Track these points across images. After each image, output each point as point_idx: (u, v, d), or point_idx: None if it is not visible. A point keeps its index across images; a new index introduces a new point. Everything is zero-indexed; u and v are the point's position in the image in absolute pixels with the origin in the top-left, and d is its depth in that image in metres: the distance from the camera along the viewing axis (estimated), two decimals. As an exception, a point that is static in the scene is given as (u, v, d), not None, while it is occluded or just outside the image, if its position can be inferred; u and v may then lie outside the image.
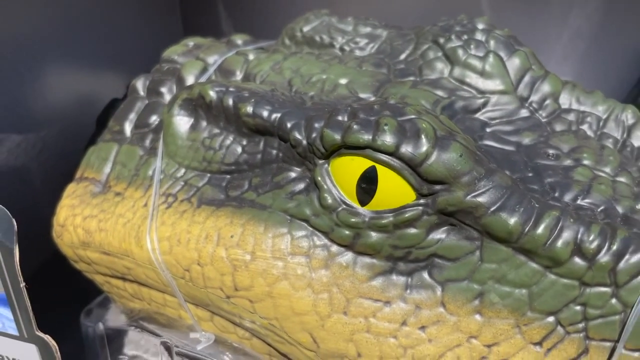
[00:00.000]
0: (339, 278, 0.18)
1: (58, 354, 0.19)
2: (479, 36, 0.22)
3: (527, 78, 0.21)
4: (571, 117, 0.21)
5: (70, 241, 0.22)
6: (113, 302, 0.23)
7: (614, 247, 0.16)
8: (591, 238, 0.16)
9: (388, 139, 0.16)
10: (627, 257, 0.16)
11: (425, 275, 0.18)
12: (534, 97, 0.21)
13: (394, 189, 0.17)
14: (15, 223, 0.17)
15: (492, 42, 0.21)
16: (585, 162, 0.19)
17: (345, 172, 0.17)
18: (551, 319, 0.17)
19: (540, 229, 0.16)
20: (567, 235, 0.16)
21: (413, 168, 0.16)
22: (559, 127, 0.20)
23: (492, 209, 0.16)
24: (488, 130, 0.20)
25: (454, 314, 0.17)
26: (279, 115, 0.19)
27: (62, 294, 0.25)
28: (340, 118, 0.17)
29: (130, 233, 0.20)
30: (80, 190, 0.22)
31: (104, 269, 0.22)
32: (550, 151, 0.19)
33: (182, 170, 0.21)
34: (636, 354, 0.16)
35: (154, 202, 0.20)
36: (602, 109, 0.21)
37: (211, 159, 0.20)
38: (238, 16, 0.33)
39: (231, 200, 0.19)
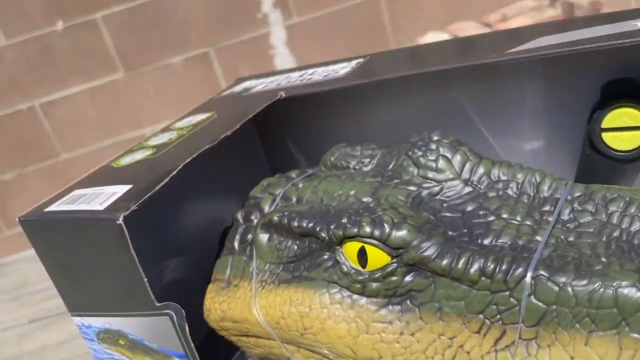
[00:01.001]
0: (359, 313, 0.29)
1: None
2: (433, 146, 0.33)
3: (467, 166, 0.32)
4: (499, 185, 0.31)
5: (214, 318, 0.36)
6: (244, 352, 0.37)
7: (503, 267, 0.26)
8: (489, 265, 0.26)
9: (367, 229, 0.28)
10: (511, 271, 0.25)
11: (408, 302, 0.28)
12: (474, 178, 0.32)
13: (377, 256, 0.28)
14: (183, 310, 0.32)
15: (441, 148, 0.32)
16: (503, 215, 0.29)
17: (350, 251, 0.29)
18: (481, 316, 0.26)
19: (460, 265, 0.27)
20: (475, 266, 0.26)
21: (383, 243, 0.28)
22: (490, 194, 0.31)
23: (432, 258, 0.27)
24: (445, 205, 0.31)
25: (428, 323, 0.28)
26: (312, 224, 0.31)
27: (217, 353, 0.39)
28: (343, 221, 0.30)
29: (245, 307, 0.33)
30: (215, 287, 0.36)
31: (235, 332, 0.35)
32: (482, 212, 0.30)
33: (267, 266, 0.34)
34: (532, 328, 0.25)
35: (254, 287, 0.34)
36: (520, 175, 0.31)
37: (282, 256, 0.33)
38: (306, 152, 0.46)
39: (295, 279, 0.32)
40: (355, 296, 0.29)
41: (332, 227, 0.30)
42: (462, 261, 0.26)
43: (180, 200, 0.41)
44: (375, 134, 0.41)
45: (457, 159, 0.32)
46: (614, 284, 0.23)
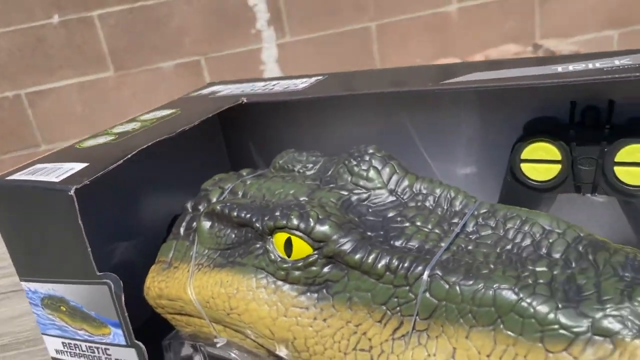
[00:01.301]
0: (281, 297, 0.32)
1: (146, 355, 0.36)
2: (366, 157, 0.36)
3: (394, 178, 0.35)
4: (419, 197, 0.35)
5: (152, 295, 0.38)
6: (178, 331, 0.40)
7: (406, 265, 0.29)
8: (394, 262, 0.29)
9: (294, 222, 0.31)
10: (412, 269, 0.28)
11: (324, 291, 0.31)
12: (398, 189, 0.35)
13: (301, 247, 0.30)
14: (121, 283, 0.35)
15: (373, 160, 0.36)
16: (417, 223, 0.32)
17: (278, 241, 0.32)
18: (383, 307, 0.29)
19: (369, 260, 0.29)
20: (382, 262, 0.29)
21: (307, 235, 0.31)
22: (410, 204, 0.34)
23: (347, 251, 0.30)
24: (369, 210, 0.34)
25: (339, 311, 0.30)
26: (249, 215, 0.34)
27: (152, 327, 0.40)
28: (276, 214, 0.33)
29: (181, 286, 0.36)
30: (157, 268, 0.39)
31: (170, 310, 0.38)
32: (399, 218, 0.33)
33: (206, 251, 0.36)
34: (425, 321, 0.28)
35: (192, 269, 0.37)
36: (438, 190, 0.34)
37: (220, 242, 0.36)
38: (264, 156, 0.49)
39: (229, 263, 0.35)
40: (279, 282, 0.32)
41: (265, 218, 0.33)
42: (372, 257, 0.29)
43: (138, 186, 0.45)
44: (326, 145, 0.44)
45: (386, 171, 0.36)
46: (494, 286, 0.26)
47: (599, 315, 0.24)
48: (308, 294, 0.31)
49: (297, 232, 0.31)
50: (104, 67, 1.28)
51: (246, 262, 0.34)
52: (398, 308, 0.29)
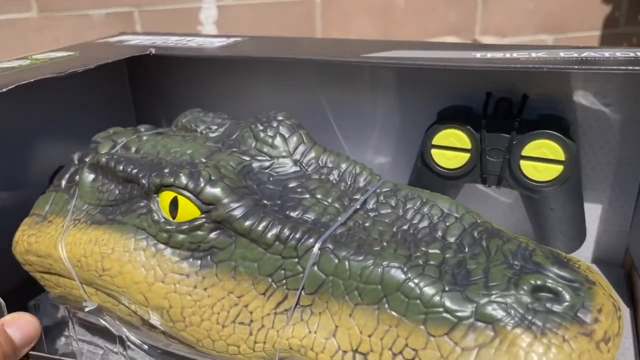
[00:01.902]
0: (160, 262, 0.29)
1: (6, 311, 0.32)
2: (274, 124, 0.33)
3: (300, 148, 0.33)
4: (324, 170, 0.32)
5: (19, 250, 0.34)
6: (47, 291, 0.36)
7: (297, 236, 0.27)
8: (285, 231, 0.27)
9: (182, 180, 0.28)
10: (303, 240, 0.27)
11: (208, 258, 0.29)
12: (304, 159, 0.33)
13: (188, 209, 0.28)
14: None
15: (280, 127, 0.33)
16: (317, 195, 0.30)
17: (164, 200, 0.29)
18: (269, 279, 0.27)
19: (260, 227, 0.27)
20: (273, 230, 0.27)
21: (196, 196, 0.28)
22: (314, 176, 0.32)
23: (237, 217, 0.28)
24: (270, 179, 0.31)
25: (221, 280, 0.28)
26: (136, 170, 0.31)
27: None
28: (165, 170, 0.30)
29: (52, 242, 0.33)
30: (30, 221, 0.35)
31: (39, 268, 0.34)
32: (299, 189, 0.31)
33: (86, 206, 0.33)
34: (310, 296, 0.26)
35: (66, 224, 0.33)
36: (344, 165, 0.32)
37: (102, 198, 0.33)
38: (171, 114, 0.46)
39: (108, 221, 0.31)
40: (160, 245, 0.30)
41: (152, 174, 0.30)
42: (262, 224, 0.28)
43: (26, 132, 0.40)
44: (238, 110, 0.41)
45: (293, 139, 0.33)
46: (384, 263, 0.25)
47: (483, 301, 0.23)
48: (190, 260, 0.29)
49: (185, 192, 0.28)
50: (27, 6, 1.18)
51: (127, 221, 0.31)
52: (284, 281, 0.27)
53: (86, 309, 0.32)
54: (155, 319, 0.30)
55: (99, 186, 0.33)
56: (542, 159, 0.35)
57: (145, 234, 0.30)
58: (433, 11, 1.41)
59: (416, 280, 0.24)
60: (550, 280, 0.24)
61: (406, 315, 0.24)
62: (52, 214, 0.35)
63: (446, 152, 0.38)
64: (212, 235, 0.29)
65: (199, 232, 0.29)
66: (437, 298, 0.24)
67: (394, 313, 0.24)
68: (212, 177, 0.29)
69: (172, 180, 0.29)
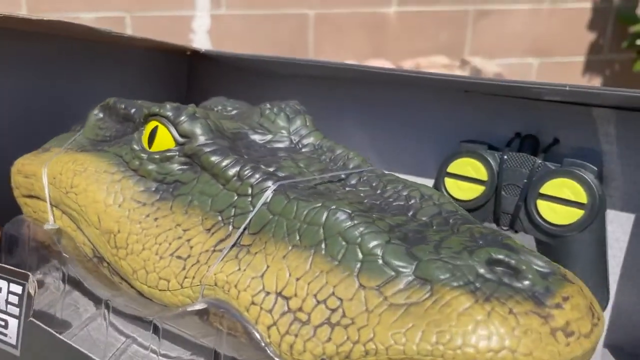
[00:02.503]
0: (124, 187, 0.29)
1: None
2: (283, 105, 0.33)
3: (301, 131, 0.32)
4: (318, 151, 0.32)
5: (13, 172, 0.35)
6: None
7: (256, 175, 0.26)
8: (246, 170, 0.27)
9: (167, 109, 0.29)
10: (260, 179, 0.26)
11: (170, 191, 0.29)
12: (302, 141, 0.32)
13: (164, 139, 0.29)
14: None
15: (287, 109, 0.33)
16: (300, 164, 0.29)
17: (147, 129, 0.30)
18: (219, 215, 0.27)
19: (223, 163, 0.27)
20: (236, 167, 0.27)
21: (174, 126, 0.28)
22: (304, 151, 0.31)
23: (206, 151, 0.28)
24: (261, 148, 0.31)
25: (174, 213, 0.28)
26: (134, 109, 0.32)
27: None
28: (155, 108, 0.30)
29: (39, 163, 0.33)
30: (34, 152, 0.36)
31: (24, 191, 0.34)
32: (284, 156, 0.30)
33: (85, 140, 0.34)
34: (252, 236, 0.25)
35: (58, 152, 0.33)
36: (338, 151, 0.31)
37: (99, 134, 0.34)
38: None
39: (94, 149, 0.32)
40: (129, 172, 0.30)
41: (144, 109, 0.31)
42: (227, 161, 0.27)
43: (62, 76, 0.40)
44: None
45: (296, 121, 0.33)
46: (332, 206, 0.24)
47: (427, 258, 0.21)
48: (152, 190, 0.29)
49: (165, 121, 0.29)
50: (17, 6, 1.14)
51: (108, 149, 0.32)
52: (232, 218, 0.26)
53: (45, 227, 0.32)
54: (101, 248, 0.30)
55: (101, 124, 0.34)
56: (561, 199, 0.33)
57: (121, 160, 0.31)
58: (424, 29, 1.41)
59: (361, 228, 0.23)
60: (514, 258, 0.21)
61: (341, 262, 0.22)
62: (54, 146, 0.36)
63: (460, 183, 0.36)
64: (180, 169, 0.29)
65: (168, 164, 0.29)
66: (378, 248, 0.22)
67: (329, 258, 0.23)
68: (196, 114, 0.29)
69: (157, 109, 0.29)
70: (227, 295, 0.24)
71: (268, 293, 0.23)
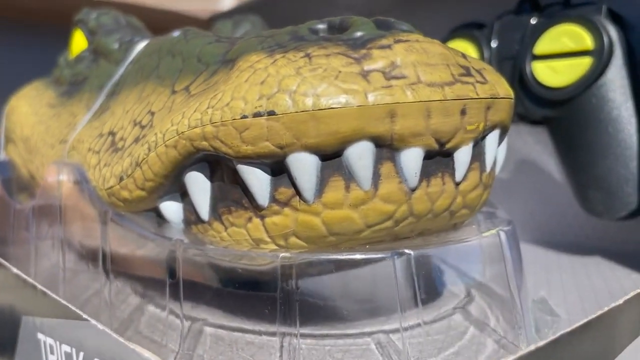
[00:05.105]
0: (43, 96, 0.28)
1: None
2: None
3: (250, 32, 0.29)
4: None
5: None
6: None
7: (134, 38, 0.23)
8: (126, 37, 0.24)
9: (83, 12, 0.26)
10: (135, 39, 0.23)
11: (76, 89, 0.25)
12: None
13: (79, 43, 0.26)
14: None
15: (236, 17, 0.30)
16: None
17: (71, 39, 0.27)
18: (100, 92, 0.23)
19: (109, 37, 0.24)
20: (116, 36, 0.24)
21: (86, 25, 0.26)
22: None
23: (103, 35, 0.25)
24: None
25: (71, 105, 0.25)
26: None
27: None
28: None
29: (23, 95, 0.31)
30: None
31: (5, 131, 0.32)
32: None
33: None
34: (116, 97, 0.21)
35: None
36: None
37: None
38: None
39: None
40: (50, 82, 0.29)
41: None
42: (112, 34, 0.24)
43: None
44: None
45: (244, 26, 0.30)
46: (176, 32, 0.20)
47: (239, 41, 0.16)
48: (65, 93, 0.27)
49: (81, 24, 0.27)
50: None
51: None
52: (108, 88, 0.23)
53: None
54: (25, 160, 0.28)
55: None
56: (561, 55, 0.24)
57: (52, 77, 0.29)
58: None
59: (188, 37, 0.19)
60: (353, 19, 0.15)
61: (165, 78, 0.18)
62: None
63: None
64: (87, 65, 0.26)
65: (79, 65, 0.26)
66: (197, 48, 0.18)
67: (157, 79, 0.19)
68: (111, 11, 0.27)
69: (80, 17, 0.27)
70: (78, 153, 0.21)
71: (102, 136, 0.20)
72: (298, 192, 0.14)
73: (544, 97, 0.24)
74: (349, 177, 0.13)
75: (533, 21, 0.25)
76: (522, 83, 0.25)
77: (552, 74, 0.24)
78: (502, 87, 0.15)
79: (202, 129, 0.14)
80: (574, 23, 0.23)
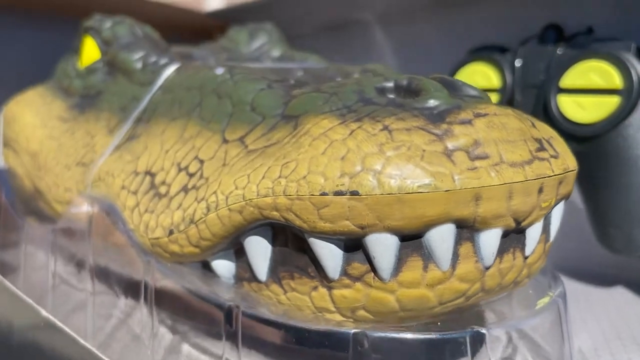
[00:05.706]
0: (51, 107, 0.26)
1: None
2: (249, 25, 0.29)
3: (264, 47, 0.28)
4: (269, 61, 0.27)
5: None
6: None
7: (161, 58, 0.23)
8: (152, 57, 0.23)
9: (95, 19, 0.25)
10: (162, 60, 0.22)
11: (90, 103, 0.24)
12: (266, 55, 0.28)
13: (91, 52, 0.25)
14: None
15: (254, 27, 0.29)
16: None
17: (81, 47, 0.26)
18: (123, 112, 0.22)
19: (132, 54, 0.23)
20: (140, 61, 0.23)
21: (99, 34, 0.25)
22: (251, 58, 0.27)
23: (121, 49, 0.24)
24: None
25: (88, 122, 0.24)
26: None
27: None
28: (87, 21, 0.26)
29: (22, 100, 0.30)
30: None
31: (5, 138, 0.30)
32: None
33: None
34: (144, 125, 0.21)
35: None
36: (297, 55, 0.27)
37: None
38: None
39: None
40: (59, 92, 0.27)
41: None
42: (137, 52, 0.23)
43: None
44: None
45: (261, 38, 0.28)
46: (212, 65, 0.20)
47: (301, 92, 0.16)
48: (76, 106, 0.26)
49: (93, 32, 0.25)
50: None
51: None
52: (128, 110, 0.22)
53: None
54: (31, 174, 0.26)
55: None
56: (588, 90, 0.24)
57: (59, 84, 0.27)
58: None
59: (236, 78, 0.18)
60: (418, 79, 0.14)
61: (211, 121, 0.18)
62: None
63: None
64: (102, 79, 0.25)
65: (92, 77, 0.25)
66: (249, 94, 0.17)
67: (200, 120, 0.18)
68: (128, 23, 0.25)
69: (90, 24, 0.26)
70: (106, 186, 0.20)
71: (137, 174, 0.19)
72: (373, 269, 0.13)
73: (569, 132, 0.24)
74: (428, 258, 0.13)
75: (559, 52, 0.25)
76: (547, 115, 0.25)
77: (579, 110, 0.24)
78: (570, 159, 0.15)
79: (274, 200, 0.13)
80: (603, 60, 0.23)
